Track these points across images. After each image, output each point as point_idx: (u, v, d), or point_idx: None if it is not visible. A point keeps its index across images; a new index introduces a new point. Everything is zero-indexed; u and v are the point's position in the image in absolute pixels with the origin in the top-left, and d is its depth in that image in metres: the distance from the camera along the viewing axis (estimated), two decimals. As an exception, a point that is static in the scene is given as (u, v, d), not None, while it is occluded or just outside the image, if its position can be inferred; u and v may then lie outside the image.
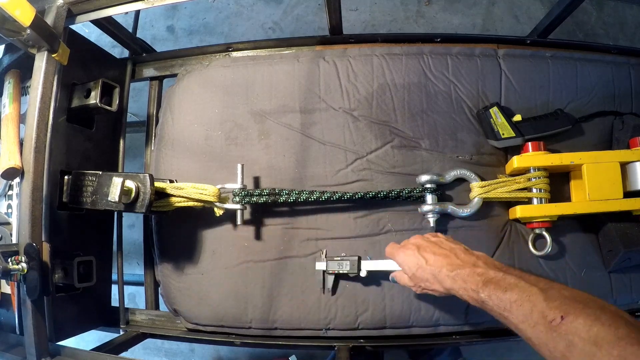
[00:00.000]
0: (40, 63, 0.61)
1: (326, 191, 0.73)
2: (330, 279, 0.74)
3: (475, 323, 0.74)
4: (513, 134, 0.73)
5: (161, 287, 0.81)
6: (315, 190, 0.73)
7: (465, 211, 0.73)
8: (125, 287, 0.87)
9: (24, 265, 0.56)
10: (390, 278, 0.67)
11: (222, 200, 0.73)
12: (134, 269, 1.39)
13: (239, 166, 0.73)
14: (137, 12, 0.97)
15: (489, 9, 1.43)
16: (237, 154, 0.79)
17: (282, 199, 0.73)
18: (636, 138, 0.72)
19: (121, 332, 0.83)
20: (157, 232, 0.80)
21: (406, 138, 0.77)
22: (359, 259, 0.72)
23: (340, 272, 0.72)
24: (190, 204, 0.70)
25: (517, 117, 0.75)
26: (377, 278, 0.74)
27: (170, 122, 0.82)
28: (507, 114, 0.75)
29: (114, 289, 0.86)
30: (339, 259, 0.73)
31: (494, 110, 0.74)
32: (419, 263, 0.59)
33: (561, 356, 0.40)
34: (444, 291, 0.57)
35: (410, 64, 0.79)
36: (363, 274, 0.71)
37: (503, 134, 0.74)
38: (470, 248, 0.74)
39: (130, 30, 0.88)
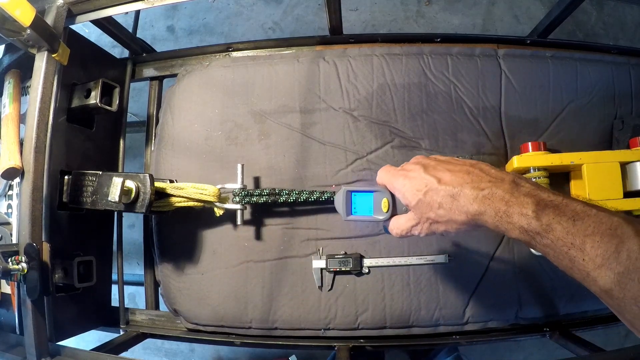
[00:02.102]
0: (40, 63, 0.61)
1: (326, 191, 0.73)
2: (328, 277, 0.74)
3: (475, 323, 0.74)
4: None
5: (161, 287, 0.81)
6: (315, 190, 0.73)
7: (465, 211, 0.73)
8: (125, 287, 0.87)
9: (24, 265, 0.56)
10: (383, 227, 0.53)
11: (222, 200, 0.73)
12: (134, 269, 1.39)
13: (239, 166, 0.73)
14: (137, 12, 0.97)
15: (489, 9, 1.43)
16: (237, 154, 0.79)
17: (282, 199, 0.73)
18: (636, 138, 0.72)
19: (121, 332, 0.83)
20: (157, 232, 0.80)
21: (406, 138, 0.77)
22: (361, 256, 0.73)
23: (342, 269, 0.73)
24: (190, 204, 0.70)
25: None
26: (376, 277, 0.74)
27: (170, 122, 0.82)
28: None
29: (114, 289, 0.86)
30: (340, 256, 0.73)
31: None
32: (428, 184, 0.42)
33: None
34: (465, 221, 0.40)
35: (410, 64, 0.79)
36: (365, 270, 0.72)
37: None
38: (470, 248, 0.74)
39: (130, 30, 0.88)
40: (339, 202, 0.57)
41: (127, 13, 0.68)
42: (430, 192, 0.42)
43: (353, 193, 0.56)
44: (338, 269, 0.73)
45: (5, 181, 0.75)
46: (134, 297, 1.42)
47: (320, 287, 0.75)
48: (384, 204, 0.51)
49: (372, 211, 0.54)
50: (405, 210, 0.49)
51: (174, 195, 0.69)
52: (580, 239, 0.31)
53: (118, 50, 1.05)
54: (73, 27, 0.68)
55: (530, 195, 0.36)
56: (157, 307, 0.88)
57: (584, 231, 0.32)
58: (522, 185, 0.38)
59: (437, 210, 0.41)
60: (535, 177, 0.71)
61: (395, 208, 0.51)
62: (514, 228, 0.36)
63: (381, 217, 0.51)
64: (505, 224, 0.37)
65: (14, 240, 0.72)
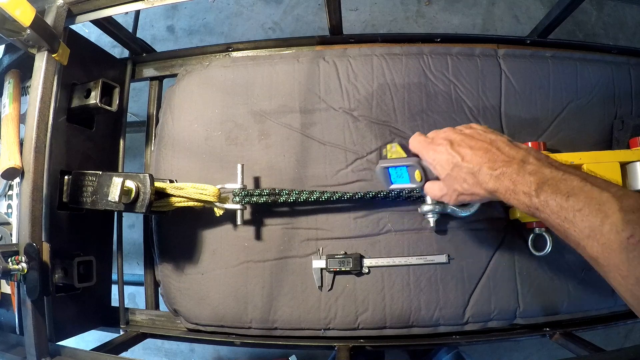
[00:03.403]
0: (40, 63, 0.61)
1: (326, 191, 0.73)
2: (328, 277, 0.74)
3: (475, 323, 0.74)
4: (404, 154, 0.62)
5: (161, 287, 0.81)
6: (315, 190, 0.73)
7: (465, 211, 0.73)
8: (125, 287, 0.87)
9: (24, 265, 0.56)
10: (423, 192, 0.59)
11: (222, 200, 0.73)
12: (134, 269, 1.39)
13: (239, 166, 0.73)
14: (137, 12, 0.97)
15: (489, 9, 1.43)
16: (237, 154, 0.79)
17: (282, 199, 0.73)
18: (636, 138, 0.72)
19: (121, 332, 0.83)
20: (157, 232, 0.80)
21: (406, 138, 0.77)
22: (360, 256, 0.73)
23: (342, 269, 0.73)
24: (190, 204, 0.70)
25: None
26: (376, 277, 0.74)
27: (170, 122, 0.82)
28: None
29: (114, 289, 0.86)
30: (340, 256, 0.73)
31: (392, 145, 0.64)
32: (454, 161, 0.48)
33: (637, 282, 0.32)
34: (485, 194, 0.46)
35: (410, 64, 0.79)
36: (365, 270, 0.72)
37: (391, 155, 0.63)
38: (470, 248, 0.74)
39: (130, 30, 0.88)
40: (379, 176, 0.64)
41: (127, 13, 0.68)
42: (455, 168, 0.48)
43: (389, 168, 0.62)
44: (338, 269, 0.73)
45: (5, 181, 0.75)
46: (134, 297, 1.42)
47: (320, 287, 0.75)
48: (417, 175, 0.58)
49: (408, 180, 0.61)
50: (436, 177, 0.55)
51: (174, 195, 0.69)
52: (572, 214, 0.36)
53: (118, 50, 1.05)
54: (73, 27, 0.68)
55: (534, 174, 0.41)
56: (157, 307, 0.88)
57: (574, 206, 0.36)
58: (528, 164, 0.43)
59: (462, 184, 0.48)
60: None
61: (427, 175, 0.57)
62: (519, 204, 0.42)
63: (416, 185, 0.59)
64: (514, 200, 0.43)
65: (14, 240, 0.72)
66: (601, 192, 0.36)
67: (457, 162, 0.48)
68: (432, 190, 0.54)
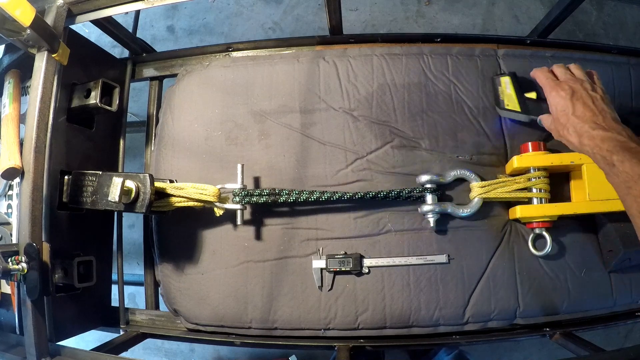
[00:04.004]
0: (40, 63, 0.61)
1: (326, 191, 0.73)
2: (328, 277, 0.74)
3: (475, 323, 0.74)
4: (518, 109, 0.72)
5: (161, 287, 0.81)
6: (315, 190, 0.73)
7: (465, 211, 0.73)
8: (125, 287, 0.87)
9: (24, 265, 0.56)
10: (537, 120, 0.69)
11: (222, 200, 0.73)
12: (134, 269, 1.39)
13: (239, 166, 0.73)
14: (137, 12, 0.97)
15: (489, 9, 1.43)
16: (237, 154, 0.79)
17: (282, 199, 0.73)
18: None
19: (121, 332, 0.83)
20: (157, 232, 0.80)
21: (406, 138, 0.77)
22: (360, 256, 0.74)
23: (342, 269, 0.73)
24: (190, 204, 0.70)
25: (532, 95, 0.73)
26: (376, 277, 0.74)
27: (170, 122, 0.82)
28: (522, 87, 0.74)
29: (114, 289, 0.86)
30: (340, 256, 0.73)
31: (505, 80, 0.74)
32: (566, 109, 0.59)
33: None
34: (577, 145, 0.57)
35: (410, 64, 0.79)
36: (365, 270, 0.73)
37: (507, 105, 0.73)
38: (470, 248, 0.74)
39: (130, 30, 0.88)
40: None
41: (127, 13, 0.68)
42: (565, 116, 0.60)
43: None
44: (338, 269, 0.73)
45: (5, 181, 0.75)
46: (134, 297, 1.42)
47: (320, 287, 0.75)
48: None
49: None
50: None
51: (174, 195, 0.69)
52: (638, 177, 0.47)
53: (118, 50, 1.05)
54: (73, 27, 0.68)
55: (621, 142, 0.52)
56: (157, 307, 0.88)
57: None
58: (621, 135, 0.53)
59: (564, 130, 0.59)
60: (535, 177, 0.71)
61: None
62: (600, 159, 0.53)
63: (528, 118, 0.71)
64: (597, 155, 0.54)
65: (14, 240, 0.72)
66: None
67: (568, 112, 0.59)
68: (546, 120, 0.65)
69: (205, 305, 0.77)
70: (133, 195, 0.63)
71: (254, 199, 0.72)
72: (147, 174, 0.64)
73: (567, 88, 0.61)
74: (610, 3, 1.41)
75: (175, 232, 0.79)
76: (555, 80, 0.64)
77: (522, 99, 0.73)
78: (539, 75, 0.66)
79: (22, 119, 0.71)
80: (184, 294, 0.78)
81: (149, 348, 1.44)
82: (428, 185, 0.73)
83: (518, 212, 0.71)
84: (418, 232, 0.75)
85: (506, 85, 0.73)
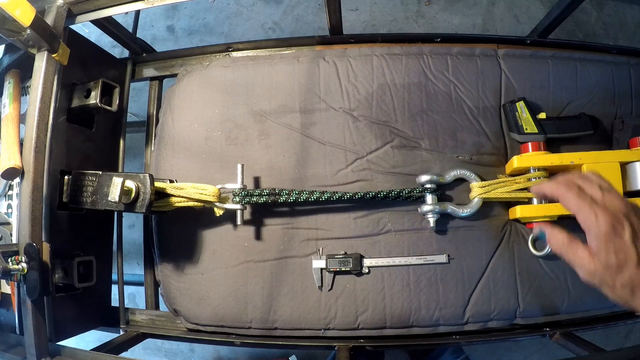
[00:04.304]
0: (40, 63, 0.61)
1: (326, 191, 0.73)
2: (328, 277, 0.74)
3: (475, 323, 0.74)
4: (536, 130, 0.74)
5: (161, 287, 0.81)
6: (315, 190, 0.73)
7: (465, 211, 0.73)
8: (125, 287, 0.87)
9: (24, 265, 0.56)
10: (539, 232, 0.54)
11: (222, 200, 0.73)
12: (134, 269, 1.39)
13: (239, 166, 0.73)
14: (137, 12, 0.97)
15: (489, 9, 1.43)
16: (237, 154, 0.79)
17: (282, 199, 0.73)
18: (636, 138, 0.72)
19: (121, 332, 0.83)
20: (157, 232, 0.80)
21: (406, 138, 0.77)
22: (360, 256, 0.74)
23: (342, 269, 0.73)
24: (190, 204, 0.70)
25: (542, 115, 0.75)
26: (376, 277, 0.74)
27: (170, 122, 0.82)
28: (533, 110, 0.75)
29: (114, 289, 0.86)
30: (340, 256, 0.73)
31: (520, 105, 0.75)
32: (631, 259, 0.39)
33: None
34: (627, 299, 0.40)
35: (410, 64, 0.79)
36: (365, 270, 0.73)
37: (526, 129, 0.74)
38: (470, 248, 0.74)
39: (130, 30, 0.88)
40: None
41: (127, 13, 0.68)
42: (628, 267, 0.39)
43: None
44: (338, 269, 0.73)
45: (5, 181, 0.75)
46: (134, 297, 1.42)
47: (320, 287, 0.75)
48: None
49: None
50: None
51: (174, 195, 0.69)
52: None
53: (118, 50, 1.05)
54: (73, 27, 0.68)
55: None
56: (157, 307, 0.88)
57: None
58: None
59: (619, 283, 0.39)
60: (535, 177, 0.71)
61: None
62: None
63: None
64: None
65: (14, 240, 0.72)
66: None
67: (632, 263, 0.38)
68: (588, 266, 0.42)
69: (205, 305, 0.77)
70: (133, 195, 0.63)
71: (254, 199, 0.72)
72: (147, 174, 0.64)
73: (627, 224, 0.40)
74: (610, 3, 1.41)
75: (175, 232, 0.79)
76: (577, 190, 0.43)
77: (536, 121, 0.74)
78: (553, 186, 0.45)
79: (22, 119, 0.71)
80: (184, 294, 0.78)
81: (149, 348, 1.44)
82: (428, 185, 0.73)
83: (518, 212, 0.71)
84: (418, 232, 0.75)
85: (522, 110, 0.74)
